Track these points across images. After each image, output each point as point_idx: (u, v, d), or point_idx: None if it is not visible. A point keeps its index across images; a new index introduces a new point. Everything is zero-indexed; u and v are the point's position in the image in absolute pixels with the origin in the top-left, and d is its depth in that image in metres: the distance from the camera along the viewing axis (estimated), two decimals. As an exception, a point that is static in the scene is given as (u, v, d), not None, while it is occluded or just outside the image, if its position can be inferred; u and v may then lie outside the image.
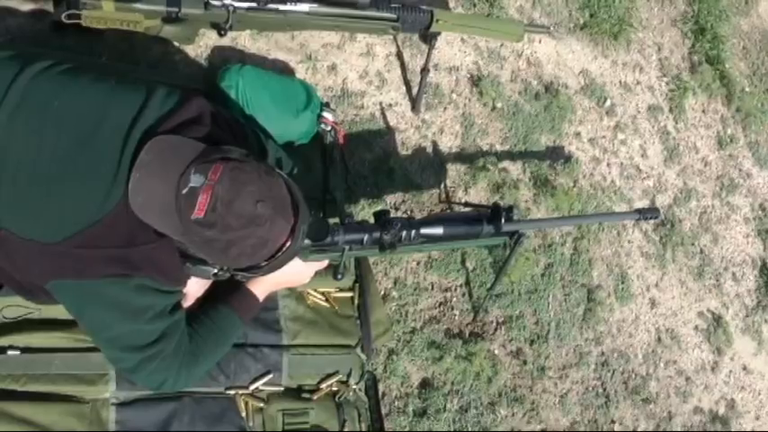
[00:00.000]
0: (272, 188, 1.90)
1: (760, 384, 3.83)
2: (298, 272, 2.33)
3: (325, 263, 2.40)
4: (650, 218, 2.90)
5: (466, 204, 3.17)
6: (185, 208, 1.83)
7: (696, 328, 3.76)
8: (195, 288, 2.22)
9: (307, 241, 2.16)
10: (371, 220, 2.40)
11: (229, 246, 1.86)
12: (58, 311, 2.20)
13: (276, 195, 1.90)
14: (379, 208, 2.79)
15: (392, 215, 2.38)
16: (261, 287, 2.31)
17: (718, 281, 3.89)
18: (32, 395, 2.24)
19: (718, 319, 3.81)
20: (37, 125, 1.97)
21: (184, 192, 1.84)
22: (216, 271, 2.05)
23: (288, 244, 1.93)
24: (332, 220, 2.32)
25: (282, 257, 1.96)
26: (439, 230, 2.43)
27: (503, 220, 2.48)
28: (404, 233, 2.35)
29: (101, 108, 2.00)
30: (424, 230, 2.40)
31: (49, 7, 2.55)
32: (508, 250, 2.74)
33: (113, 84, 2.08)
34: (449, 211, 3.20)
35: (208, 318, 2.24)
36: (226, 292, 2.29)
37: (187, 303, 2.21)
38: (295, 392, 2.52)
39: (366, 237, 2.31)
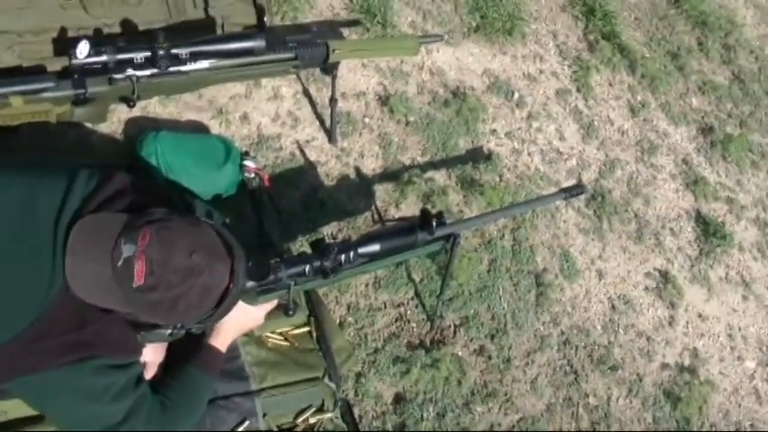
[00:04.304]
0: (201, 237, 1.95)
1: (717, 328, 3.93)
2: (250, 317, 2.39)
3: (274, 302, 2.45)
4: (577, 194, 3.00)
5: (400, 220, 3.26)
6: (125, 279, 1.88)
7: (646, 288, 3.86)
8: (152, 358, 2.25)
9: (251, 283, 2.22)
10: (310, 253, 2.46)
11: (176, 302, 1.91)
12: (25, 410, 2.20)
13: (207, 243, 1.95)
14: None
15: (328, 242, 2.44)
16: (220, 338, 2.35)
17: (658, 239, 3.99)
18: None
19: (665, 276, 3.91)
20: None
21: (119, 264, 1.88)
22: (170, 331, 2.10)
23: (231, 286, 1.98)
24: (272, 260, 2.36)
25: (229, 301, 2.01)
26: (376, 247, 2.50)
27: (434, 225, 2.56)
28: (343, 256, 2.41)
29: (27, 202, 2.03)
30: (361, 250, 2.46)
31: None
32: (448, 255, 2.81)
33: (36, 176, 2.10)
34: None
35: (177, 382, 2.26)
36: (187, 353, 2.31)
37: (149, 374, 2.24)
38: (274, 433, 2.56)
39: (308, 267, 2.36)
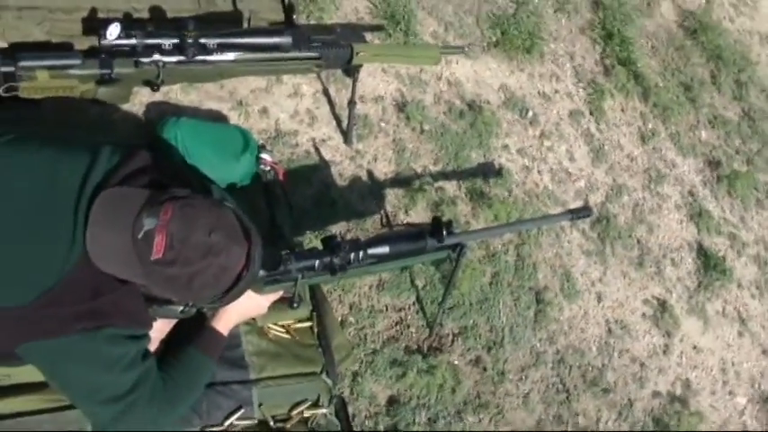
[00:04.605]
0: (221, 218, 1.99)
1: (711, 361, 3.97)
2: (256, 304, 2.41)
3: (279, 293, 2.48)
4: (583, 216, 3.03)
5: (408, 225, 3.29)
6: (144, 251, 1.91)
7: (643, 315, 3.89)
8: (156, 333, 2.27)
9: (261, 272, 2.25)
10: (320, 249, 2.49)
11: (192, 279, 1.94)
12: (28, 375, 2.23)
13: (227, 224, 1.99)
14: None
15: (339, 239, 2.47)
16: (223, 323, 2.37)
17: (658, 268, 4.03)
18: (11, 460, 2.26)
19: (663, 304, 3.95)
20: None
21: (140, 236, 1.91)
22: (182, 308, 2.14)
23: (246, 270, 2.02)
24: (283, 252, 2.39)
25: (243, 284, 2.04)
26: (385, 249, 2.53)
27: (444, 233, 2.59)
28: (352, 255, 2.44)
29: (50, 173, 2.07)
30: (371, 250, 2.49)
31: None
32: (453, 264, 2.85)
33: (60, 148, 2.14)
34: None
35: (178, 361, 2.28)
36: (190, 334, 2.34)
37: (151, 348, 2.27)
38: (268, 423, 2.57)
39: (317, 262, 2.40)
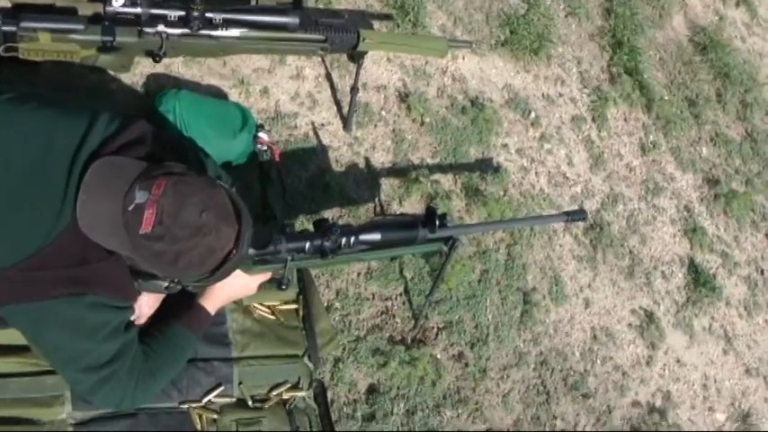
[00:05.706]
0: (214, 198, 1.98)
1: (693, 375, 3.97)
2: (244, 284, 2.41)
3: (268, 275, 2.47)
4: (578, 219, 3.02)
5: (401, 215, 3.29)
6: (133, 224, 1.90)
7: (630, 325, 3.89)
8: (146, 309, 2.29)
9: (251, 251, 2.24)
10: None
11: (178, 257, 1.93)
12: (11, 337, 2.23)
13: (219, 204, 1.98)
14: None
15: (332, 223, 2.47)
16: (211, 301, 2.38)
17: (648, 279, 4.03)
18: (-11, 420, 2.26)
19: (650, 316, 3.94)
20: None
21: (130, 209, 1.91)
22: (167, 284, 2.13)
23: (234, 252, 2.01)
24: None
25: (230, 265, 2.04)
26: (377, 236, 2.52)
27: (437, 224, 2.58)
28: (343, 239, 2.43)
29: (47, 135, 2.06)
30: (362, 236, 2.48)
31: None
32: (444, 258, 2.84)
33: (58, 111, 2.14)
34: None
35: (162, 335, 2.29)
36: (177, 309, 2.35)
37: (140, 322, 2.27)
38: (247, 402, 2.57)
39: (308, 244, 2.38)
